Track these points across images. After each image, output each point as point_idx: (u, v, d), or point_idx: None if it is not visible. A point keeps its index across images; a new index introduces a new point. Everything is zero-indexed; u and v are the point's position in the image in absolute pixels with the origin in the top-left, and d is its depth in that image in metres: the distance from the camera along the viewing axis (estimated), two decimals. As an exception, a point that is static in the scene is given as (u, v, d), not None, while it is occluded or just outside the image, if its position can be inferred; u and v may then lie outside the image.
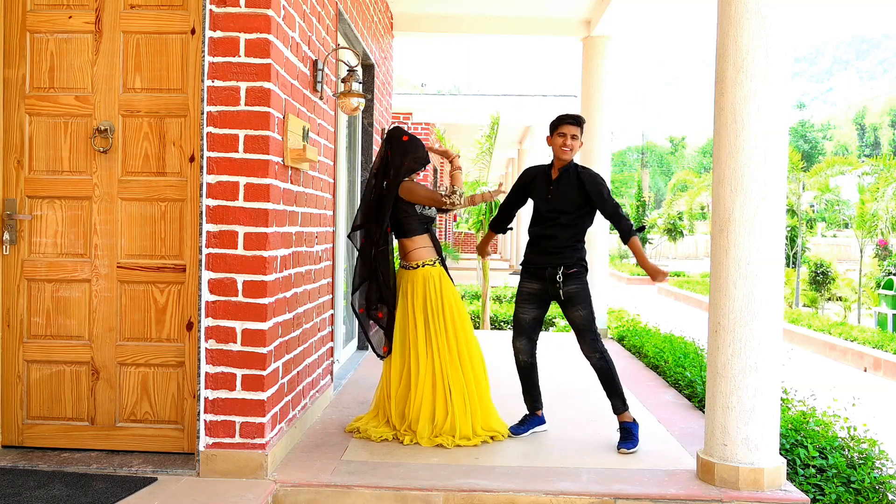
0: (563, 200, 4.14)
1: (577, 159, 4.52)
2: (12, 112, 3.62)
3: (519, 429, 4.27)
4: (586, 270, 4.20)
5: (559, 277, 4.10)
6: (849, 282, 15.35)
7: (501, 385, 5.47)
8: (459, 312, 4.23)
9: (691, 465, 3.71)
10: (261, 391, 3.42)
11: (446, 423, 4.05)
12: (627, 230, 4.08)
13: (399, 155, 4.21)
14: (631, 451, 3.96)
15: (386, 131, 4.32)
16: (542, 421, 4.34)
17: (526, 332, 4.27)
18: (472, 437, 4.05)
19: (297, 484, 3.40)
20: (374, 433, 4.08)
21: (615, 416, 4.16)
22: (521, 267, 4.34)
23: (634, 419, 4.13)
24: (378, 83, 6.84)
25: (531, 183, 4.32)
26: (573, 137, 4.13)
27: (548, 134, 4.26)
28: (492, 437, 4.11)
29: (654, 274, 4.05)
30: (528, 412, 4.36)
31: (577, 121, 4.17)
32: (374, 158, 4.33)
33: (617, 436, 4.16)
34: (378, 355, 4.36)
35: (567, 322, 4.29)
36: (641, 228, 4.36)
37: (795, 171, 14.73)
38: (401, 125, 4.32)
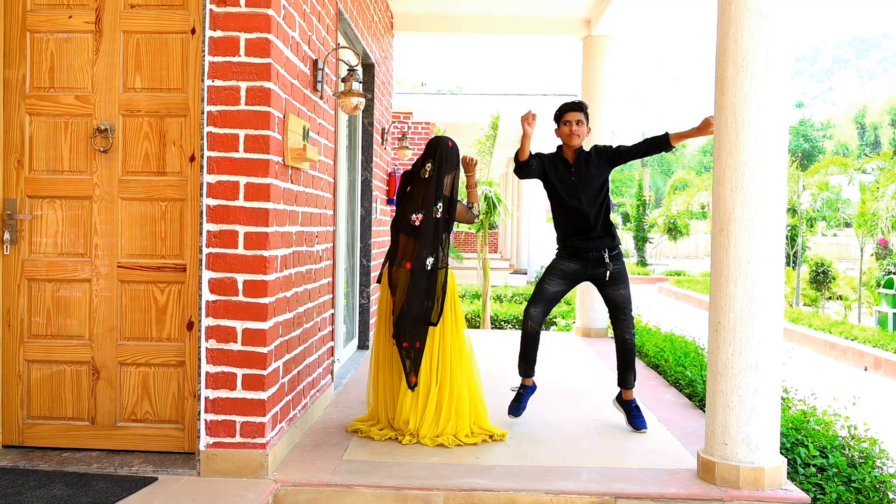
0: (585, 179, 4.25)
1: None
2: (12, 112, 3.62)
3: (518, 408, 4.33)
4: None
5: (607, 259, 4.25)
6: (849, 281, 15.35)
7: (502, 384, 5.47)
8: (460, 313, 4.25)
9: (692, 465, 3.71)
10: (261, 391, 3.42)
11: (449, 424, 4.05)
12: (662, 139, 4.18)
13: (454, 165, 4.14)
14: (646, 429, 4.25)
15: (428, 147, 4.15)
16: (534, 388, 4.45)
17: (544, 302, 4.33)
18: (471, 436, 4.05)
19: (298, 483, 3.40)
20: (377, 434, 4.08)
21: (613, 402, 4.44)
22: (556, 252, 4.42)
23: None
24: (378, 82, 6.84)
25: (548, 169, 4.33)
26: (578, 123, 4.24)
27: (554, 127, 4.37)
28: (490, 437, 4.11)
29: (705, 125, 4.06)
30: (521, 381, 4.42)
31: (579, 106, 4.28)
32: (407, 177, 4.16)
33: (617, 434, 4.17)
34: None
35: (605, 302, 4.41)
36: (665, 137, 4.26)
37: (797, 169, 14.75)
38: (445, 137, 4.21)
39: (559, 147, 4.36)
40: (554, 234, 4.66)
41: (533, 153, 4.33)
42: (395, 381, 4.18)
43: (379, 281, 4.35)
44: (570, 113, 4.25)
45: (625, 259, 4.47)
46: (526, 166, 4.25)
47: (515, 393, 4.43)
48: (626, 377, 4.39)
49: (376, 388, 4.25)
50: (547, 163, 4.33)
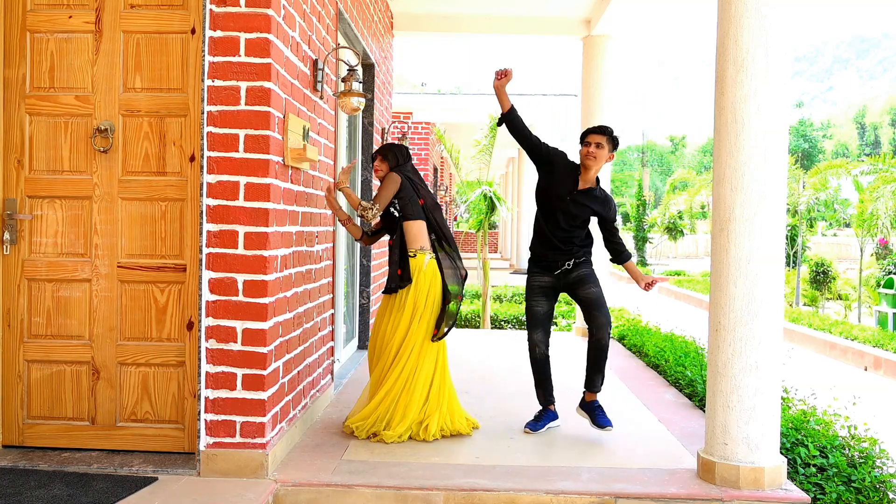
0: (581, 206, 4.23)
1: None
2: (12, 112, 3.62)
3: (536, 425, 4.31)
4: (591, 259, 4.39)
5: (569, 266, 4.26)
6: (848, 281, 15.36)
7: (502, 383, 5.48)
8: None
9: (692, 465, 3.71)
10: (261, 391, 3.42)
11: (448, 417, 4.14)
12: (622, 255, 4.38)
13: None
14: (612, 428, 4.17)
15: (403, 153, 4.42)
16: (555, 415, 4.41)
17: (541, 324, 4.33)
18: (464, 430, 4.18)
19: (298, 483, 3.40)
20: (388, 436, 4.02)
21: (577, 410, 4.39)
22: (529, 261, 4.41)
23: None
24: (378, 83, 6.84)
25: (556, 169, 4.27)
26: (598, 146, 4.21)
27: (579, 147, 4.35)
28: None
29: (643, 280, 4.29)
30: (541, 407, 4.41)
31: (602, 130, 4.27)
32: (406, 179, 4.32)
33: (617, 434, 4.18)
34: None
35: (579, 307, 4.42)
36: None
37: (798, 169, 14.76)
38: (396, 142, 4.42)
39: (579, 165, 4.31)
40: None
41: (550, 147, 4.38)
42: (421, 377, 4.15)
43: (408, 280, 4.21)
44: (592, 135, 4.25)
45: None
46: (505, 117, 4.22)
47: (537, 412, 4.40)
48: (593, 379, 4.29)
49: (389, 388, 4.15)
50: (562, 164, 4.28)
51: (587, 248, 4.36)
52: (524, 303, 4.42)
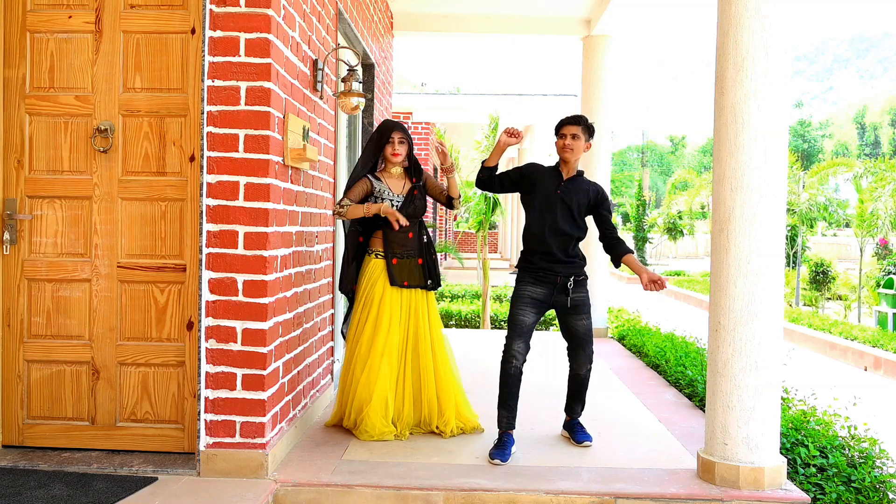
0: (570, 201, 4.01)
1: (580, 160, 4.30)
2: (12, 112, 3.62)
3: (503, 453, 3.83)
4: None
5: (570, 285, 4.00)
6: (848, 281, 15.37)
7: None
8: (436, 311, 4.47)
9: (692, 465, 3.71)
10: (261, 391, 3.42)
11: (462, 413, 4.29)
12: (619, 250, 4.07)
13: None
14: (592, 443, 4.08)
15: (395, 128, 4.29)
16: (513, 441, 3.97)
17: (525, 335, 4.02)
18: (456, 430, 4.27)
19: (298, 483, 3.40)
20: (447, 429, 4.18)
21: (562, 433, 4.32)
22: (519, 269, 4.14)
23: None
24: (378, 82, 6.84)
25: (535, 177, 4.11)
26: (573, 137, 4.01)
27: (555, 139, 4.17)
28: (462, 427, 4.31)
29: (645, 274, 3.93)
30: (501, 431, 3.95)
31: (575, 120, 4.07)
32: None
33: (617, 434, 4.18)
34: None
35: (562, 333, 4.19)
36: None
37: (799, 169, 14.76)
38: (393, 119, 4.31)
39: (558, 162, 4.14)
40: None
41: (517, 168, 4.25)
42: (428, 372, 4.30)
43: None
44: (566, 126, 4.05)
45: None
46: (489, 171, 4.13)
47: (497, 439, 3.95)
48: (573, 406, 4.21)
49: (442, 381, 4.30)
50: (539, 171, 4.13)
51: (584, 262, 4.11)
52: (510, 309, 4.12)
